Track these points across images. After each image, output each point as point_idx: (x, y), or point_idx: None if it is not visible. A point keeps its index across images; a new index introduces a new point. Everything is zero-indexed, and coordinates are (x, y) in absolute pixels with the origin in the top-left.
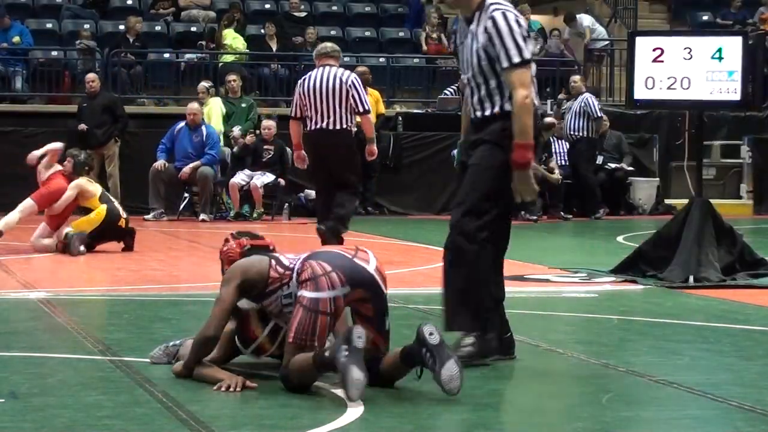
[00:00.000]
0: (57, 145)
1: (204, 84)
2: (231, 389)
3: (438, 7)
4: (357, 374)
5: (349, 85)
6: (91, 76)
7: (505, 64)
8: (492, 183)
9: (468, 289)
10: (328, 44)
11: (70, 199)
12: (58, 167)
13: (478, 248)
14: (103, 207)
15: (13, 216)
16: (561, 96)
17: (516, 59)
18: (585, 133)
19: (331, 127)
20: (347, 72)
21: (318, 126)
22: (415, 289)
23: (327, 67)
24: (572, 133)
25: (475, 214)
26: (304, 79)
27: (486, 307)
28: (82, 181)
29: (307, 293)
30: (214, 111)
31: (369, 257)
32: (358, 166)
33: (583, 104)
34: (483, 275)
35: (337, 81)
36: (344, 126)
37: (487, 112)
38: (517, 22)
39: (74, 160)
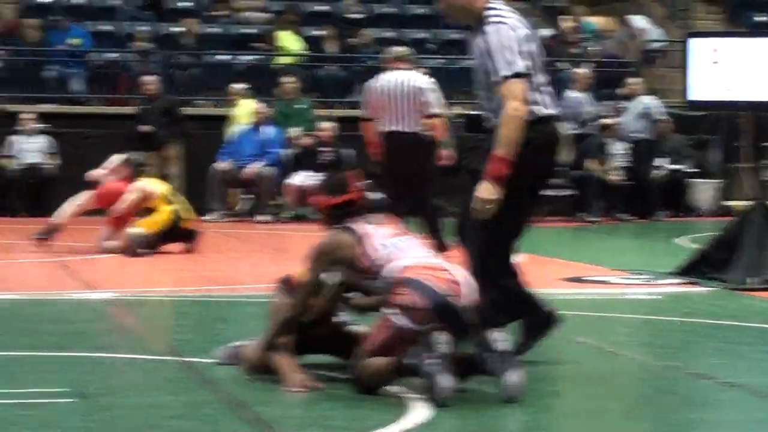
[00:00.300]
0: (118, 158)
1: (235, 86)
2: (299, 389)
3: None
4: (445, 381)
5: (422, 89)
6: (148, 79)
7: (494, 77)
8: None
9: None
10: (401, 48)
11: (132, 202)
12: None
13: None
14: (168, 208)
15: (68, 207)
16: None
17: (506, 72)
18: (645, 134)
19: (403, 129)
20: (420, 75)
21: (391, 129)
22: None
23: (399, 71)
24: (632, 134)
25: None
26: (377, 82)
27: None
28: (143, 184)
29: (401, 320)
30: (245, 112)
31: (461, 291)
32: (430, 169)
33: (643, 106)
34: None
35: (410, 84)
36: (417, 129)
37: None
38: (508, 32)
39: (134, 164)
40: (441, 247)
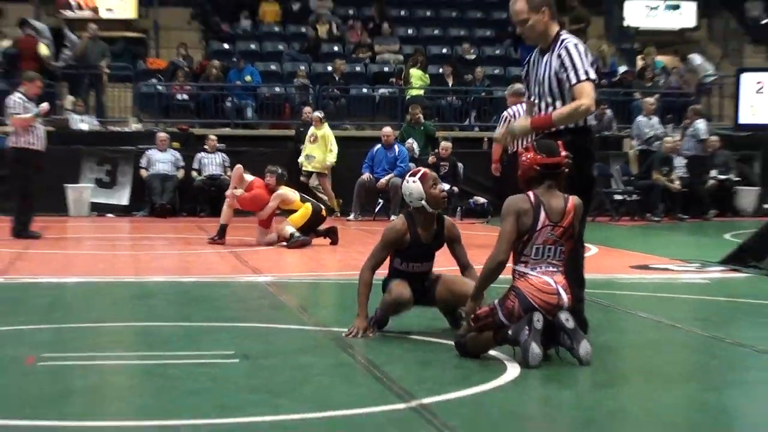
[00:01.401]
0: (237, 169)
1: (317, 113)
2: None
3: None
4: (537, 350)
5: None
6: (307, 108)
7: (573, 81)
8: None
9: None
10: (518, 84)
11: (272, 209)
12: (248, 179)
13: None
14: (307, 204)
15: (225, 210)
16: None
17: (583, 77)
18: (695, 151)
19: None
20: None
21: (513, 150)
22: None
23: (520, 105)
24: (686, 151)
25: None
26: (507, 114)
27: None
28: (283, 191)
29: (500, 315)
30: (327, 134)
31: (558, 304)
32: None
33: (693, 129)
34: None
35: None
36: None
37: (560, 127)
38: (585, 51)
39: (276, 175)
40: None
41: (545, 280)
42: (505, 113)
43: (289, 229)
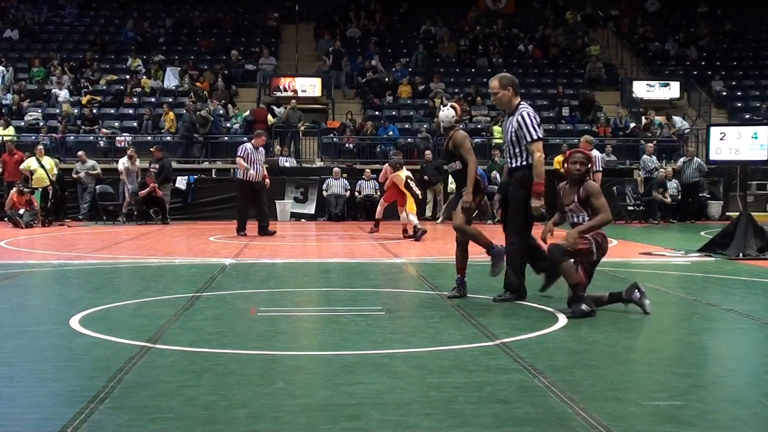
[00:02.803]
0: (386, 168)
1: (428, 154)
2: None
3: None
4: (648, 303)
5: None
6: (428, 152)
7: (529, 139)
8: (518, 209)
9: (521, 263)
10: (589, 136)
11: (391, 182)
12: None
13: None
14: (408, 192)
15: (379, 207)
16: (683, 159)
17: (535, 137)
18: (695, 178)
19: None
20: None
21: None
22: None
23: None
24: (692, 179)
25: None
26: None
27: (522, 272)
28: (396, 173)
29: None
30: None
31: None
32: None
33: (696, 164)
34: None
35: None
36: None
37: (516, 164)
38: (534, 117)
39: (390, 164)
40: None
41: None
42: (594, 154)
43: (413, 219)
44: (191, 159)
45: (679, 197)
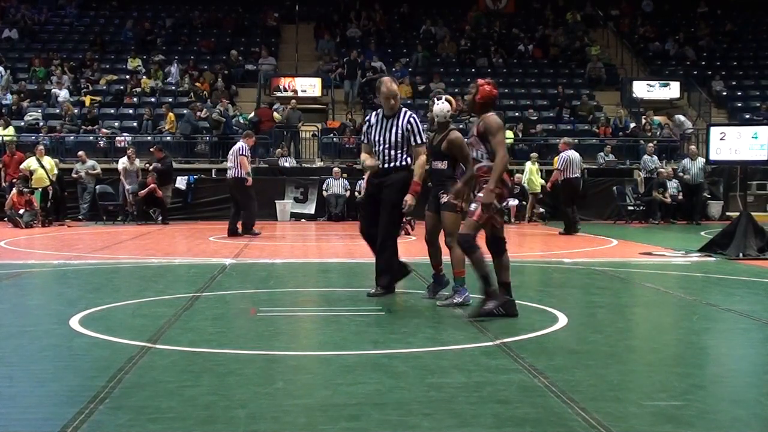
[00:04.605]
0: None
1: None
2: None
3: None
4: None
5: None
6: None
7: (419, 141)
8: (396, 209)
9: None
10: (568, 138)
11: None
12: None
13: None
14: None
15: None
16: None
17: (420, 141)
18: (701, 179)
19: (568, 176)
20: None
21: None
22: (594, 258)
23: (568, 150)
24: (697, 178)
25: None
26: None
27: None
28: None
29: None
30: None
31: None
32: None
33: (700, 164)
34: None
35: (578, 157)
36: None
37: (392, 165)
38: (420, 121)
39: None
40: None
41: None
42: (564, 155)
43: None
44: (192, 159)
45: (679, 197)
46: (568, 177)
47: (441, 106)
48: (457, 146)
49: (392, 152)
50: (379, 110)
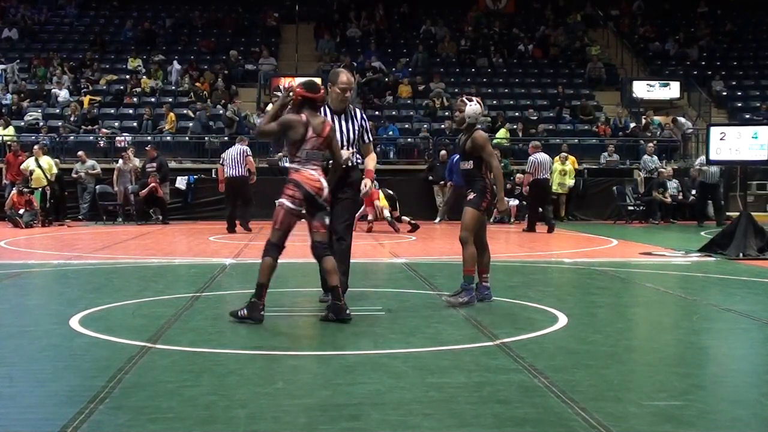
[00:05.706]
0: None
1: None
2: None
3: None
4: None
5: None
6: (443, 151)
7: (370, 140)
8: (354, 208)
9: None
10: (536, 141)
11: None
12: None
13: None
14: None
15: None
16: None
17: (370, 139)
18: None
19: (538, 177)
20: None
21: (536, 179)
22: (593, 258)
23: (538, 153)
24: (709, 179)
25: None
26: (535, 159)
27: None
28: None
29: (293, 205)
30: None
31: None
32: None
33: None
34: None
35: (549, 159)
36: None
37: (351, 163)
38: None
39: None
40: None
41: (313, 174)
42: (532, 158)
43: (387, 213)
44: (202, 159)
45: (680, 197)
46: (537, 178)
47: (474, 108)
48: (479, 145)
49: (351, 149)
50: (323, 106)
